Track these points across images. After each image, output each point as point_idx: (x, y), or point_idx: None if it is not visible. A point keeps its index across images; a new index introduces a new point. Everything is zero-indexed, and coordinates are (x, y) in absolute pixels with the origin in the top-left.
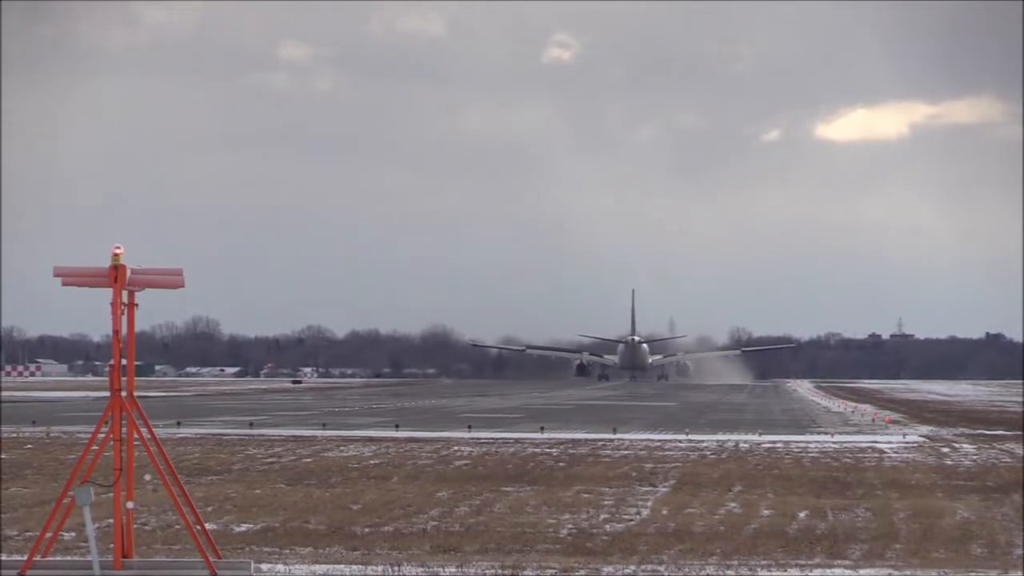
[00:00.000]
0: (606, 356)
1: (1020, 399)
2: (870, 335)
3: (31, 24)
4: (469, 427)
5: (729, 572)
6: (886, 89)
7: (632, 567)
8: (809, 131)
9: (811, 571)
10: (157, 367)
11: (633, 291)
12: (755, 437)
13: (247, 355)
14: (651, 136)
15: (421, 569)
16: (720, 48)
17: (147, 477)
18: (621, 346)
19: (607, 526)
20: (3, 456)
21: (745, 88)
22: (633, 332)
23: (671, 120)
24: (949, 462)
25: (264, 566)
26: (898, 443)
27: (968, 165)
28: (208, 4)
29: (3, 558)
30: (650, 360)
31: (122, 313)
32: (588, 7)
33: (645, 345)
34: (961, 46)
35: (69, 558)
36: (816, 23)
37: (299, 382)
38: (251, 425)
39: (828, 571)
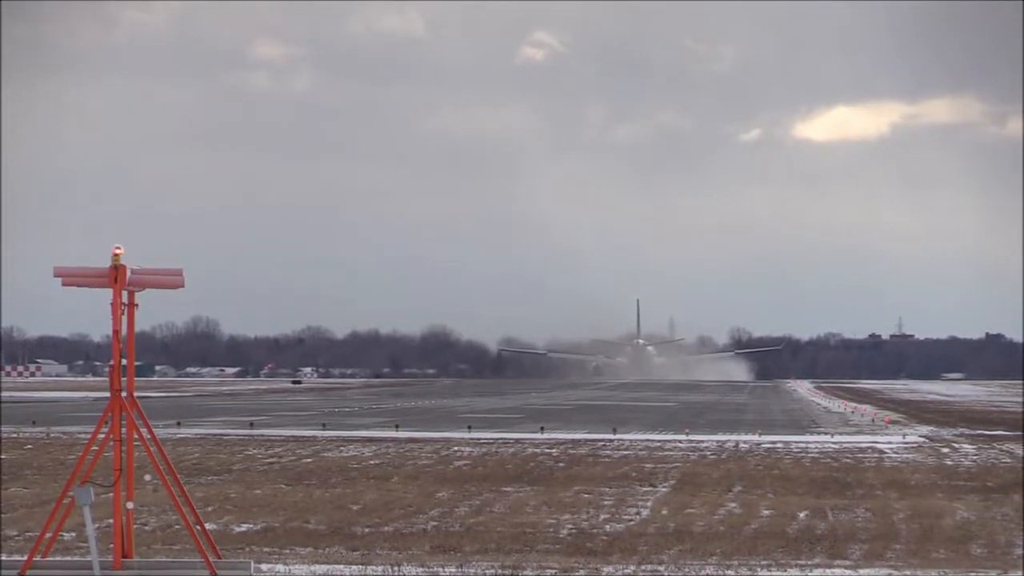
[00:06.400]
0: (617, 359)
1: (1020, 399)
2: (870, 335)
3: (10, 25)
4: (469, 427)
5: (729, 572)
6: (867, 88)
7: (632, 567)
8: (788, 130)
9: (811, 571)
10: (157, 367)
11: (638, 300)
12: (755, 437)
13: (247, 355)
14: (633, 135)
15: (421, 569)
16: (700, 47)
17: (147, 477)
18: (628, 348)
19: (607, 526)
20: (3, 456)
21: (725, 87)
22: (639, 336)
23: (653, 119)
24: (949, 462)
25: (264, 566)
26: (898, 443)
27: (951, 165)
28: (187, 4)
29: (3, 558)
30: (655, 361)
31: (122, 313)
32: (568, 6)
33: (651, 348)
34: (940, 46)
35: (69, 558)
36: (796, 23)
37: (299, 382)
38: (251, 425)
39: (828, 571)
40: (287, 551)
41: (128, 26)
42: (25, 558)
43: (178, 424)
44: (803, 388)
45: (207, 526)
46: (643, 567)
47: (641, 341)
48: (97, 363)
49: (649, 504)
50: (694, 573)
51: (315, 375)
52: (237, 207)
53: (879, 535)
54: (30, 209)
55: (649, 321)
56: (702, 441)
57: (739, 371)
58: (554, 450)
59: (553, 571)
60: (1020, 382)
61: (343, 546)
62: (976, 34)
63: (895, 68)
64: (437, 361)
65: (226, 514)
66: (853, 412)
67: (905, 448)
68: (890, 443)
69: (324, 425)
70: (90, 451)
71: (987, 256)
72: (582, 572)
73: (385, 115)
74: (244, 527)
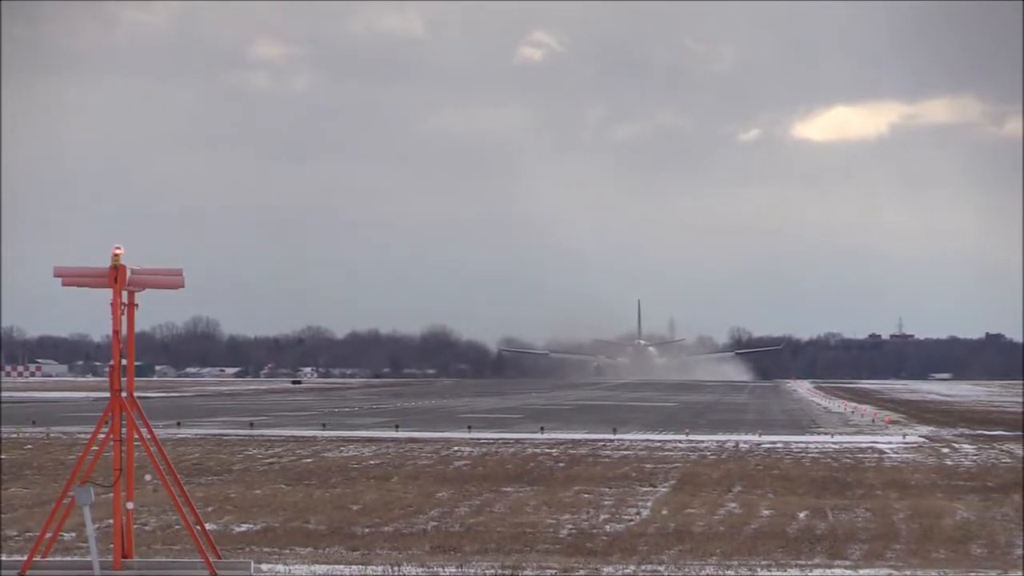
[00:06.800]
0: (619, 359)
1: (1020, 399)
2: (870, 335)
3: (10, 25)
4: (469, 427)
5: (729, 572)
6: (866, 88)
7: (632, 567)
8: (788, 130)
9: (811, 571)
10: (157, 367)
11: (639, 301)
12: (755, 437)
13: (247, 355)
14: (632, 135)
15: (421, 569)
16: (700, 47)
17: (147, 477)
18: (629, 349)
19: (607, 526)
20: (3, 456)
21: (725, 87)
22: (639, 336)
23: (653, 119)
24: (949, 462)
25: (264, 566)
26: (898, 443)
27: (951, 165)
28: (187, 4)
29: (3, 558)
30: (656, 361)
31: (122, 313)
32: (567, 6)
33: (652, 348)
34: (939, 46)
35: (69, 558)
36: (795, 23)
37: (299, 382)
38: (251, 425)
39: (828, 571)
40: (287, 551)
41: (128, 26)
42: (25, 558)
43: (178, 424)
44: (803, 388)
45: (207, 526)
46: (643, 567)
47: (642, 342)
48: (97, 363)
49: (649, 504)
50: (694, 573)
51: (315, 375)
52: (237, 207)
53: (879, 535)
54: (30, 209)
55: (649, 321)
56: (702, 441)
57: (739, 371)
58: (554, 450)
59: (553, 571)
60: (1020, 382)
61: (343, 546)
62: (975, 34)
63: (894, 68)
64: (437, 361)
65: (226, 514)
66: (853, 412)
67: (905, 448)
68: (890, 443)
69: (324, 425)
70: (90, 451)
71: (987, 256)
72: (582, 572)
73: (385, 115)
74: (244, 527)
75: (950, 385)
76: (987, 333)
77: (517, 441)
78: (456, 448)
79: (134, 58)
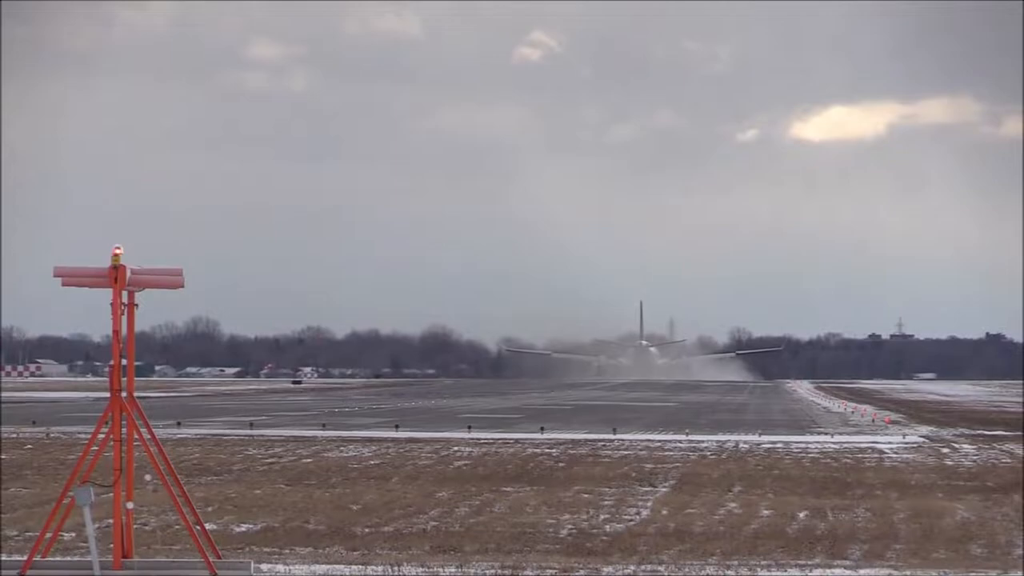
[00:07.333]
0: (620, 359)
1: (1020, 399)
2: (870, 335)
3: (10, 25)
4: (469, 427)
5: (729, 572)
6: (863, 88)
7: (632, 567)
8: (785, 130)
9: (811, 571)
10: (157, 367)
11: (641, 302)
12: (755, 437)
13: (247, 355)
14: (630, 135)
15: (421, 569)
16: (697, 47)
17: (147, 477)
18: (631, 349)
19: (607, 526)
20: (3, 456)
21: (722, 87)
22: (642, 337)
23: (651, 119)
24: (949, 462)
25: (264, 566)
26: (898, 443)
27: (949, 165)
28: (185, 4)
29: (3, 558)
30: (658, 362)
31: (122, 313)
32: (565, 6)
33: (654, 349)
34: (936, 46)
35: (69, 558)
36: (792, 23)
37: (299, 382)
38: (251, 425)
39: (828, 571)
40: (287, 551)
41: (125, 26)
42: (25, 558)
43: (178, 424)
44: (803, 388)
45: (207, 526)
46: (643, 567)
47: (644, 342)
48: (97, 363)
49: (649, 504)
50: (694, 573)
51: (315, 375)
52: (237, 207)
53: (879, 535)
54: (30, 209)
55: (649, 321)
56: (702, 441)
57: (739, 371)
58: (554, 450)
59: (553, 571)
60: (1020, 382)
61: (343, 546)
62: (972, 34)
63: (891, 68)
64: (437, 361)
65: (226, 514)
66: (853, 412)
67: (905, 448)
68: (890, 443)
69: (324, 425)
70: (90, 451)
71: (987, 256)
72: (582, 572)
73: (383, 115)
74: (244, 527)
75: (950, 385)
76: (987, 333)
77: (517, 441)
78: (456, 448)
79: (132, 58)
